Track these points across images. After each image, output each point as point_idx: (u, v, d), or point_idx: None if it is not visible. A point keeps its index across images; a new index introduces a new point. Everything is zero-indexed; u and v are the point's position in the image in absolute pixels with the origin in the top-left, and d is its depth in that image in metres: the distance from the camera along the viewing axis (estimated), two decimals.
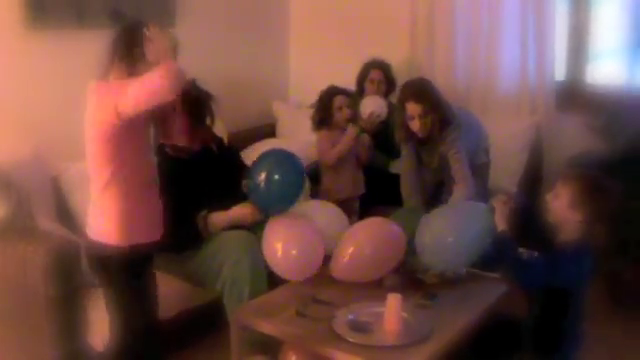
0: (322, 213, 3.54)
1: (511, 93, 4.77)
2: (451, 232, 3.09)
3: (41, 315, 3.04)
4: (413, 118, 3.89)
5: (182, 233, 3.38)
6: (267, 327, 2.85)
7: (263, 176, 3.23)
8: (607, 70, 4.78)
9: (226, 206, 3.53)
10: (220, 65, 4.97)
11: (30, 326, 3.11)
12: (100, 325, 3.11)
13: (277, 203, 3.31)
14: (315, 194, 4.30)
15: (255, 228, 3.50)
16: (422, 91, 3.94)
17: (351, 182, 4.34)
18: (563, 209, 2.75)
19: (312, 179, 4.32)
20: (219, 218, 3.52)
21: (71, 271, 3.05)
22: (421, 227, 3.15)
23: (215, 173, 3.65)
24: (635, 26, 4.47)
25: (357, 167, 4.38)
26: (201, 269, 3.48)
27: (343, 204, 4.22)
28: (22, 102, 3.86)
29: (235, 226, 3.52)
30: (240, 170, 3.62)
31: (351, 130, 4.25)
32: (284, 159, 3.36)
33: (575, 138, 4.53)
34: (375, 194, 4.41)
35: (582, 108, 4.58)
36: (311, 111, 4.39)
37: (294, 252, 3.15)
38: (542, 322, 2.80)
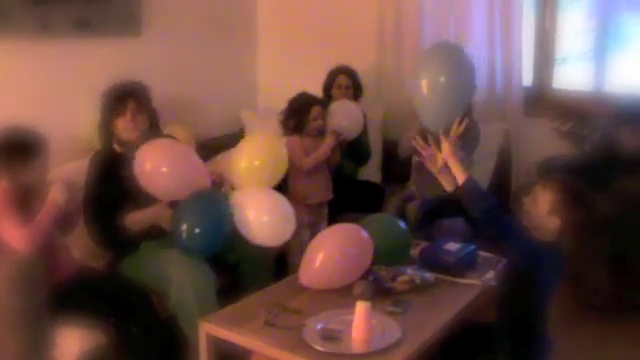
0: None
1: (479, 99, 4.77)
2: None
3: (6, 328, 3.00)
4: None
5: (108, 236, 3.56)
6: (236, 337, 2.82)
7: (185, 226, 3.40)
8: (574, 75, 4.82)
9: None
10: (187, 73, 4.95)
11: None
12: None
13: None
14: None
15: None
16: None
17: (322, 187, 4.33)
18: (541, 215, 2.76)
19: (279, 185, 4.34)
20: (135, 216, 3.55)
21: (37, 283, 3.02)
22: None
23: None
24: (601, 30, 4.51)
25: (327, 172, 4.38)
26: (157, 286, 3.46)
27: (313, 209, 4.23)
28: None
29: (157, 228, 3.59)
30: None
31: (329, 139, 4.25)
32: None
33: (543, 143, 4.56)
34: (344, 201, 4.40)
35: (550, 113, 4.60)
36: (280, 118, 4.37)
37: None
38: (511, 326, 2.81)
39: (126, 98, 3.61)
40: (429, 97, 3.13)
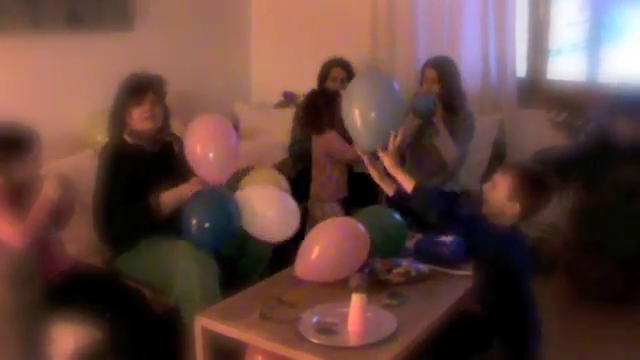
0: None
1: (473, 91, 4.77)
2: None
3: (0, 324, 2.99)
4: (427, 82, 4.37)
5: (118, 232, 3.55)
6: (231, 331, 2.81)
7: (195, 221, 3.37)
8: (568, 66, 4.82)
9: None
10: (181, 66, 4.94)
11: None
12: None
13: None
14: (303, 197, 4.28)
15: None
16: (442, 61, 4.41)
17: (345, 181, 4.36)
18: (501, 201, 2.78)
19: (296, 181, 4.40)
20: (169, 195, 3.52)
21: (30, 279, 3.01)
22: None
23: (170, 171, 3.65)
24: (595, 21, 4.51)
25: None
26: (157, 280, 3.47)
27: (342, 203, 4.27)
28: None
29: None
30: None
31: None
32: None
33: (538, 134, 4.56)
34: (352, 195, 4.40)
35: (544, 104, 4.60)
36: (274, 112, 4.36)
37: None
38: (498, 318, 2.81)
39: (146, 88, 3.60)
40: (360, 127, 3.12)
